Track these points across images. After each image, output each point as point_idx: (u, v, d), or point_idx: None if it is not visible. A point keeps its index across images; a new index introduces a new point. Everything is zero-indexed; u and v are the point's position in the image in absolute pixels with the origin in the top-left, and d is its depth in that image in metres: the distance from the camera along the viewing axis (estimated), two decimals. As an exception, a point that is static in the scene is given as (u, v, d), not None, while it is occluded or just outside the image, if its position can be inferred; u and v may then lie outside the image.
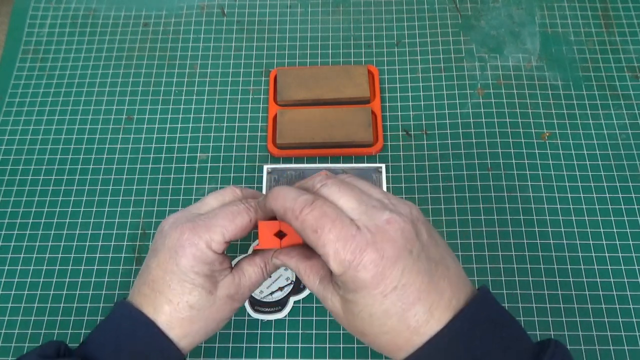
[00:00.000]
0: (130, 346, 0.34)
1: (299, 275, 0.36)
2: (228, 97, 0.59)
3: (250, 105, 0.58)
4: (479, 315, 0.30)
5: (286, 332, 0.47)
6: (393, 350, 0.31)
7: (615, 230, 0.50)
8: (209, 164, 0.55)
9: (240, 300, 0.38)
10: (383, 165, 0.54)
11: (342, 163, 0.54)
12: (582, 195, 0.52)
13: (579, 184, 0.52)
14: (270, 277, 0.39)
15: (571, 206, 0.52)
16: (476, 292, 0.32)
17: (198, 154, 0.56)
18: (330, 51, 0.61)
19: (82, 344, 0.35)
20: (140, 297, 0.36)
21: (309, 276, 0.34)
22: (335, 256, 0.30)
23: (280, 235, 0.35)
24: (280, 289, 0.49)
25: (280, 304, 0.48)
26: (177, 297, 0.35)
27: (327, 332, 0.47)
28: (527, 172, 0.53)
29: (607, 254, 0.49)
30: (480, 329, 0.30)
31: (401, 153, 0.55)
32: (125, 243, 0.52)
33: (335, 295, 0.32)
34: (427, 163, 0.54)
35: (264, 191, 0.53)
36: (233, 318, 0.48)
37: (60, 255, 0.51)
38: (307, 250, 0.35)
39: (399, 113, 0.57)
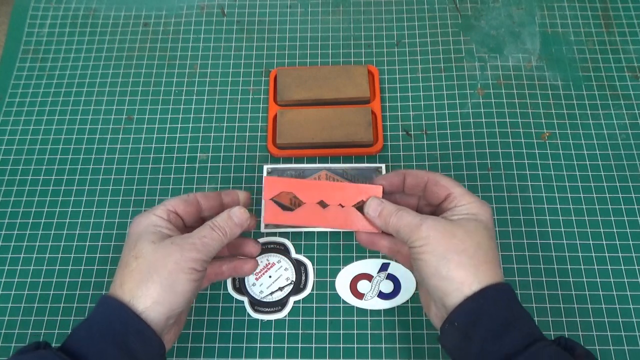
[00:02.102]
0: (102, 329, 0.36)
1: (395, 214, 0.40)
2: (228, 97, 0.59)
3: (250, 105, 0.58)
4: (513, 295, 0.37)
5: (286, 332, 0.47)
6: (483, 262, 0.37)
7: (615, 230, 0.50)
8: (209, 164, 0.55)
9: (189, 248, 0.38)
10: (383, 165, 0.54)
11: (342, 163, 0.54)
12: (582, 195, 0.52)
13: (579, 184, 0.52)
14: (226, 236, 0.40)
15: (571, 206, 0.52)
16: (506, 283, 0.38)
17: (198, 154, 0.56)
18: (330, 51, 0.61)
19: (63, 342, 0.36)
20: (111, 284, 0.38)
21: (411, 213, 0.39)
22: (467, 195, 0.40)
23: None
24: (280, 289, 0.49)
25: (280, 304, 0.48)
26: (125, 257, 0.38)
27: (327, 332, 0.47)
28: (527, 172, 0.53)
29: (607, 254, 0.49)
30: (515, 303, 0.37)
31: (401, 153, 0.55)
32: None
33: (443, 218, 0.39)
34: (427, 163, 0.54)
35: (264, 191, 0.53)
36: (233, 318, 0.48)
37: (60, 255, 0.51)
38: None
39: (399, 113, 0.57)
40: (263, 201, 0.40)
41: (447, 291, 0.36)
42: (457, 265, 0.36)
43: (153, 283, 0.36)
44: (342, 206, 0.41)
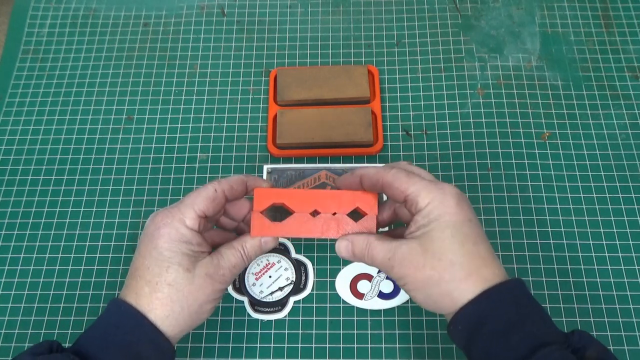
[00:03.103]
0: (117, 337, 0.35)
1: (367, 248, 0.37)
2: (228, 97, 0.59)
3: (250, 105, 0.58)
4: (524, 288, 0.35)
5: (286, 332, 0.47)
6: (462, 281, 0.34)
7: (615, 230, 0.50)
8: (209, 164, 0.55)
9: (221, 281, 0.38)
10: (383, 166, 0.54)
11: (342, 163, 0.54)
12: (582, 195, 0.52)
13: (579, 184, 0.52)
14: (250, 262, 0.40)
15: (571, 206, 0.52)
16: (516, 278, 0.36)
17: (198, 154, 0.56)
18: (330, 51, 0.61)
19: (76, 342, 0.36)
20: (126, 290, 0.37)
21: (382, 240, 0.37)
22: (425, 188, 0.35)
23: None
24: (280, 289, 0.49)
25: (280, 304, 0.48)
26: (156, 277, 0.36)
27: (327, 332, 0.47)
28: (527, 172, 0.53)
29: (607, 254, 0.49)
30: (524, 299, 0.35)
31: (401, 153, 0.55)
32: (125, 243, 0.52)
33: (409, 241, 0.36)
34: (427, 163, 0.54)
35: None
36: (233, 318, 0.48)
37: (60, 255, 0.51)
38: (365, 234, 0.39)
39: (399, 113, 0.57)
40: (252, 211, 0.39)
41: (445, 307, 0.35)
42: (446, 287, 0.34)
43: (183, 316, 0.37)
44: (334, 215, 0.40)
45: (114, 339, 0.35)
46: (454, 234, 0.34)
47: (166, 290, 0.36)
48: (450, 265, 0.34)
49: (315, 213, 0.40)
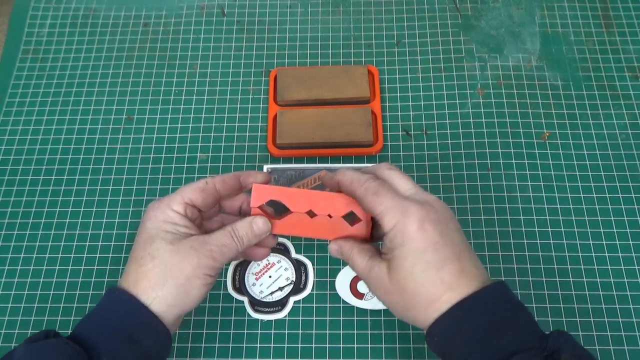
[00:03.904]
0: (112, 321, 0.36)
1: (350, 257, 0.39)
2: (228, 97, 0.59)
3: (250, 105, 0.58)
4: (502, 293, 0.35)
5: (286, 332, 0.47)
6: (425, 309, 0.35)
7: (615, 230, 0.50)
8: (209, 164, 0.55)
9: (207, 255, 0.37)
10: (383, 165, 0.54)
11: (342, 163, 0.54)
12: (582, 195, 0.52)
13: (579, 184, 0.52)
14: (243, 244, 0.39)
15: (571, 206, 0.52)
16: (494, 281, 0.36)
17: (198, 154, 0.56)
18: (330, 51, 0.61)
19: (74, 329, 0.37)
20: (122, 276, 0.38)
21: (362, 254, 0.38)
22: (390, 211, 0.35)
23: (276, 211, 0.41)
24: (280, 289, 0.49)
25: (280, 304, 0.48)
26: (141, 253, 0.37)
27: (327, 332, 0.47)
28: (527, 172, 0.53)
29: (607, 254, 0.49)
30: (499, 306, 0.34)
31: (401, 153, 0.55)
32: (125, 243, 0.52)
33: (382, 263, 0.36)
34: (427, 163, 0.54)
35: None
36: (233, 318, 0.48)
37: (60, 255, 0.51)
38: (357, 240, 0.40)
39: (399, 113, 0.57)
40: (250, 206, 0.40)
41: (418, 325, 0.36)
42: (413, 313, 0.35)
43: (168, 287, 0.36)
44: (330, 216, 0.40)
45: (109, 323, 0.36)
46: (415, 263, 0.35)
47: (150, 264, 0.36)
48: (413, 296, 0.35)
49: (311, 213, 0.40)
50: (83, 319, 0.37)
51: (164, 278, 0.36)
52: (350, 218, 0.40)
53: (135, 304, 0.36)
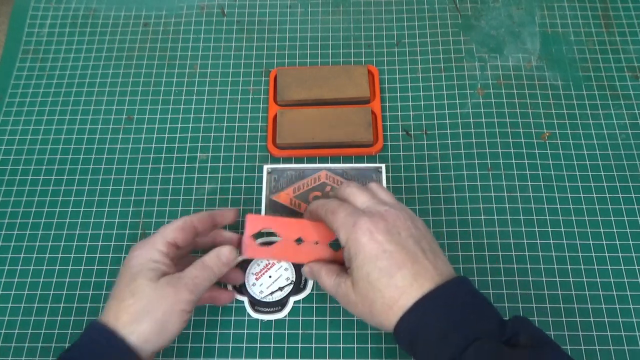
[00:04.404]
0: (90, 352, 0.38)
1: (319, 276, 0.42)
2: (228, 97, 0.59)
3: (250, 105, 0.58)
4: (459, 287, 0.38)
5: (286, 332, 0.47)
6: (386, 313, 0.37)
7: (615, 230, 0.50)
8: (209, 164, 0.55)
9: (183, 290, 0.40)
10: (383, 165, 0.54)
11: (342, 163, 0.54)
12: (582, 195, 0.52)
13: (579, 184, 0.52)
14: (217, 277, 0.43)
15: (571, 206, 0.52)
16: (457, 277, 0.38)
17: (198, 154, 0.56)
18: (330, 51, 0.61)
19: None
20: (103, 312, 0.40)
21: (329, 274, 0.42)
22: (343, 226, 0.39)
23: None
24: (280, 289, 0.49)
25: (280, 304, 0.48)
26: (123, 290, 0.40)
27: (327, 332, 0.47)
28: (527, 172, 0.53)
29: (607, 254, 0.49)
30: (459, 300, 0.37)
31: (401, 153, 0.55)
32: (125, 243, 0.52)
33: (347, 279, 0.40)
34: (427, 163, 0.54)
35: (264, 191, 0.53)
36: (233, 318, 0.48)
37: (60, 255, 0.51)
38: (326, 262, 0.44)
39: (399, 113, 0.57)
40: (244, 234, 0.44)
41: (383, 325, 0.39)
42: (378, 319, 0.38)
43: (147, 322, 0.38)
44: (317, 243, 0.44)
45: (87, 357, 0.38)
46: (369, 272, 0.38)
47: (130, 300, 0.39)
48: (373, 303, 0.38)
49: (299, 240, 0.44)
50: (63, 354, 0.38)
51: (143, 313, 0.38)
52: (338, 245, 0.42)
53: (112, 338, 0.38)
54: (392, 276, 0.37)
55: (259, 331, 0.47)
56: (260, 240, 0.49)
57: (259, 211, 0.52)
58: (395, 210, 0.40)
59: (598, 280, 0.48)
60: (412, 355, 0.38)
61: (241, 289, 0.49)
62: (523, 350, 0.35)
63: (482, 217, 0.51)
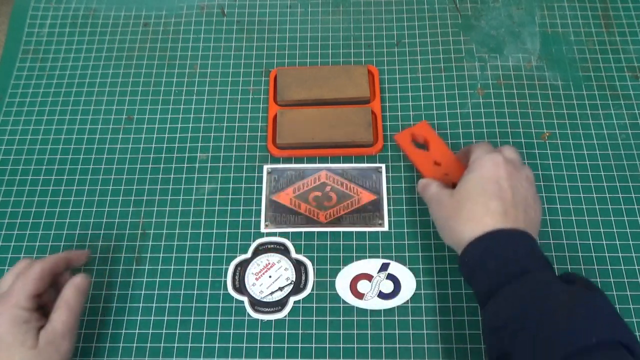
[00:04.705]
0: None
1: (430, 186, 0.47)
2: (228, 97, 0.59)
3: (250, 105, 0.58)
4: (529, 241, 0.41)
5: (286, 332, 0.47)
6: (468, 223, 0.42)
7: (615, 230, 0.50)
8: (209, 164, 0.55)
9: (62, 339, 0.41)
10: (383, 165, 0.54)
11: (342, 163, 0.54)
12: (582, 195, 0.52)
13: (579, 184, 0.52)
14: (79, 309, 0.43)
15: (571, 206, 0.52)
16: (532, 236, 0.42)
17: (198, 154, 0.56)
18: (330, 51, 0.61)
19: None
20: None
21: (439, 185, 0.46)
22: (479, 150, 0.46)
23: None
24: (280, 289, 0.49)
25: (280, 304, 0.48)
26: None
27: (327, 332, 0.47)
28: (527, 172, 0.53)
29: (607, 254, 0.49)
30: (526, 246, 0.41)
31: (401, 153, 0.55)
32: (125, 243, 0.52)
33: (449, 189, 0.45)
34: (427, 163, 0.54)
35: (264, 191, 0.53)
36: (233, 318, 0.48)
37: (60, 255, 0.51)
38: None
39: (399, 113, 0.57)
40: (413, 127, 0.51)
41: (454, 244, 0.44)
42: (452, 225, 0.43)
43: None
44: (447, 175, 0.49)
45: None
46: (474, 187, 0.43)
47: None
48: (461, 209, 0.43)
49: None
50: None
51: None
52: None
53: None
54: (490, 199, 0.42)
55: (259, 331, 0.47)
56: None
57: (258, 211, 0.52)
58: (526, 171, 0.45)
59: (598, 280, 0.48)
60: (468, 278, 0.42)
61: (241, 289, 0.49)
62: (576, 287, 0.38)
63: (482, 217, 0.51)
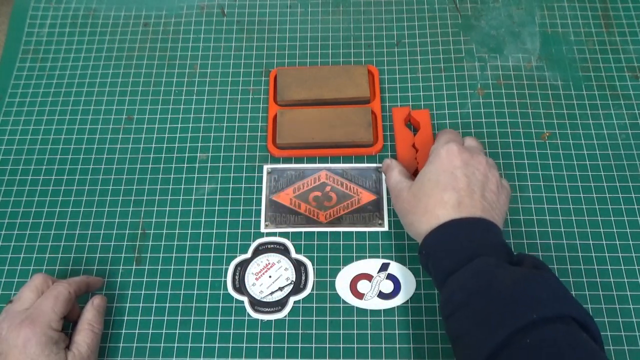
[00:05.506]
0: None
1: (392, 169, 0.49)
2: (228, 97, 0.59)
3: (250, 105, 0.58)
4: (487, 227, 0.42)
5: (286, 332, 0.47)
6: (424, 216, 0.43)
7: (615, 230, 0.50)
8: (209, 164, 0.55)
9: None
10: (383, 165, 0.54)
11: (342, 163, 0.54)
12: (582, 195, 0.52)
13: (579, 184, 0.52)
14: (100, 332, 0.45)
15: (571, 206, 0.52)
16: (490, 220, 0.42)
17: (198, 154, 0.56)
18: (330, 51, 0.61)
19: None
20: None
21: (401, 172, 0.48)
22: (439, 140, 0.47)
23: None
24: (280, 289, 0.49)
25: (280, 304, 0.48)
26: None
27: (327, 332, 0.47)
28: (527, 172, 0.53)
29: (607, 254, 0.49)
30: (481, 234, 0.41)
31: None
32: (125, 243, 0.52)
33: (410, 181, 0.47)
34: (427, 163, 0.54)
35: (264, 191, 0.53)
36: (233, 318, 0.48)
37: (60, 255, 0.51)
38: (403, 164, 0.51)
39: (399, 113, 0.57)
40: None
41: (414, 235, 0.45)
42: (411, 219, 0.44)
43: None
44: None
45: None
46: (430, 178, 0.44)
47: None
48: (417, 203, 0.44)
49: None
50: None
51: None
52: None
53: None
54: (444, 190, 0.42)
55: (259, 331, 0.47)
56: None
57: (258, 211, 0.52)
58: (484, 158, 0.45)
59: (598, 280, 0.48)
60: (426, 268, 0.44)
61: (241, 289, 0.49)
62: (523, 268, 0.39)
63: (482, 217, 0.51)
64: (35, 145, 0.57)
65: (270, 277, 0.49)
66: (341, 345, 0.47)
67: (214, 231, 0.52)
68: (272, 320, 0.48)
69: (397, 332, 0.47)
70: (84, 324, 0.44)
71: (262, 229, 0.51)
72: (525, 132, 0.55)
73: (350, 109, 0.56)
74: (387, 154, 0.55)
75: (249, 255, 0.50)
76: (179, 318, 0.48)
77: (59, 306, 0.42)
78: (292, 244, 0.51)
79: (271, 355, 0.46)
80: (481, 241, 0.41)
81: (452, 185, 0.43)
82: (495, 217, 0.43)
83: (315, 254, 0.50)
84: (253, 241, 0.51)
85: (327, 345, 0.47)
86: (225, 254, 0.51)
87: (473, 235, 0.41)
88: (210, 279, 0.50)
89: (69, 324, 0.46)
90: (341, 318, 0.48)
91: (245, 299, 0.48)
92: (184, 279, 0.50)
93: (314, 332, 0.47)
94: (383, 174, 0.51)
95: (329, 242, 0.51)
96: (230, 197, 0.53)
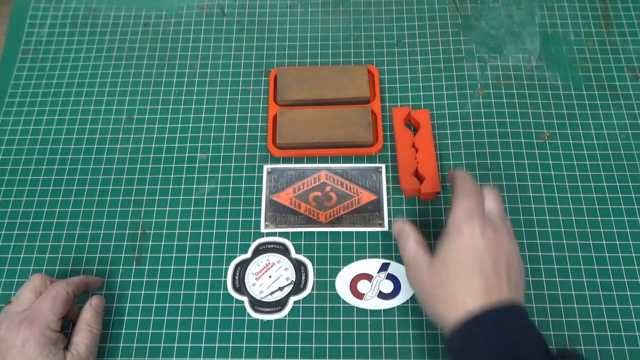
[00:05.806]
0: None
1: (407, 238, 0.43)
2: (228, 97, 0.59)
3: (250, 105, 0.58)
4: (516, 315, 0.38)
5: (286, 332, 0.47)
6: (449, 304, 0.39)
7: (615, 230, 0.50)
8: (209, 164, 0.55)
9: None
10: (383, 165, 0.54)
11: (342, 163, 0.54)
12: (582, 195, 0.52)
13: (579, 184, 0.52)
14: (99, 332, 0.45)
15: (571, 206, 0.52)
16: (520, 306, 0.39)
17: (198, 154, 0.56)
18: (330, 51, 0.61)
19: None
20: None
21: (417, 241, 0.43)
22: (459, 209, 0.41)
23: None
24: (280, 289, 0.49)
25: (280, 304, 0.48)
26: None
27: (327, 332, 0.47)
28: (527, 172, 0.53)
29: (607, 254, 0.49)
30: (514, 324, 0.38)
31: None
32: (125, 243, 0.52)
33: (428, 254, 0.42)
34: (427, 163, 0.54)
35: (264, 191, 0.53)
36: (233, 318, 0.48)
37: (60, 255, 0.51)
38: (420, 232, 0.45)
39: (399, 113, 0.57)
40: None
41: (439, 324, 0.40)
42: (435, 306, 0.40)
43: None
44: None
45: None
46: (454, 259, 0.40)
47: None
48: (440, 287, 0.40)
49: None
50: None
51: None
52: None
53: None
54: (471, 276, 0.39)
55: (259, 331, 0.47)
56: None
57: (258, 211, 0.52)
58: (506, 231, 0.42)
59: (598, 280, 0.48)
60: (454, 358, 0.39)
61: (241, 289, 0.49)
62: None
63: (482, 217, 0.51)
64: (35, 145, 0.57)
65: (270, 277, 0.49)
66: (341, 345, 0.47)
67: (214, 231, 0.52)
68: (272, 320, 0.48)
69: (397, 332, 0.47)
70: (82, 325, 0.44)
71: (262, 229, 0.51)
72: (525, 132, 0.55)
73: (350, 109, 0.56)
74: (387, 154, 0.55)
75: (249, 255, 0.50)
76: (179, 318, 0.48)
77: (58, 306, 0.42)
78: (292, 244, 0.51)
79: (271, 355, 0.46)
80: (520, 341, 0.37)
81: (478, 270, 0.39)
82: (520, 294, 0.40)
83: (315, 254, 0.50)
84: (253, 241, 0.51)
85: (327, 345, 0.47)
86: (225, 254, 0.51)
87: (509, 326, 0.38)
88: (210, 279, 0.50)
89: (68, 324, 0.46)
90: (341, 318, 0.48)
91: (245, 299, 0.48)
92: (184, 279, 0.50)
93: (314, 332, 0.47)
94: (394, 239, 0.46)
95: (329, 242, 0.51)
96: (230, 197, 0.53)
